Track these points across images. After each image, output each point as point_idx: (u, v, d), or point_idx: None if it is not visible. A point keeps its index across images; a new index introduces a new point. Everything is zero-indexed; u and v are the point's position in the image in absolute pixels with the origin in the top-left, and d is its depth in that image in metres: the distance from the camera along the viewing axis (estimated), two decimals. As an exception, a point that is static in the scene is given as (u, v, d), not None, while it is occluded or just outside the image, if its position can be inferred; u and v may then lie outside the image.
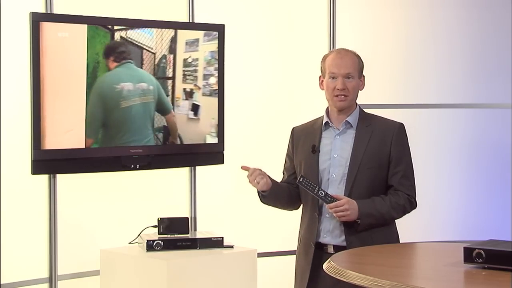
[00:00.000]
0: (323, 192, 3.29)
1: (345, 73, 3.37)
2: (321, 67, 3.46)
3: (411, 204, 3.39)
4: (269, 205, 3.53)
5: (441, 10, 5.08)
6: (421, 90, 5.07)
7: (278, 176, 3.58)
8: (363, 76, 3.45)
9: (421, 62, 5.07)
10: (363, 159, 3.34)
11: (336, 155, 3.38)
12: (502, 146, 5.00)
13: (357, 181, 3.33)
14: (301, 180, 3.31)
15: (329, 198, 3.28)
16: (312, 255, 3.37)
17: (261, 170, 3.41)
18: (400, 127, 3.42)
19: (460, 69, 5.07)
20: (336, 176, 3.36)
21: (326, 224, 3.37)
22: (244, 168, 3.43)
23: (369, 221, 3.29)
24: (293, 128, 3.58)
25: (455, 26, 5.08)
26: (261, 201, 3.50)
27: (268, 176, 3.43)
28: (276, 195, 3.46)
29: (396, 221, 3.46)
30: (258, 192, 3.46)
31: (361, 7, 5.03)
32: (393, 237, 3.42)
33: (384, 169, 3.37)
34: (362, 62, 3.45)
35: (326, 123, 3.43)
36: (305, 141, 3.46)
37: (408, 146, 3.44)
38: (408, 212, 3.40)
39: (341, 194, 3.32)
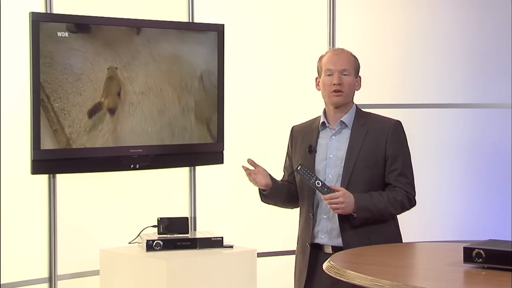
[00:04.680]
0: (320, 183, 3.26)
1: (341, 69, 3.38)
2: (318, 67, 3.46)
3: (410, 201, 3.36)
4: (269, 204, 3.54)
5: (441, 10, 5.08)
6: (421, 90, 5.07)
7: (278, 176, 3.58)
8: (360, 77, 3.45)
9: (421, 62, 5.07)
10: (358, 159, 3.33)
11: (332, 155, 3.38)
12: (502, 146, 5.00)
13: (352, 180, 3.32)
14: (299, 168, 3.30)
15: (326, 189, 3.26)
16: (309, 255, 3.36)
17: (264, 169, 3.42)
18: (396, 125, 3.41)
19: (460, 69, 5.07)
20: (332, 177, 3.36)
21: (323, 225, 3.36)
22: (250, 161, 3.42)
23: (365, 215, 3.28)
24: (292, 127, 3.58)
25: (455, 26, 5.08)
26: (261, 200, 3.51)
27: (270, 176, 3.43)
28: (277, 194, 3.47)
29: (398, 224, 3.44)
30: (259, 191, 3.47)
31: (361, 7, 5.03)
32: (393, 237, 3.40)
33: (381, 168, 3.36)
34: (359, 63, 3.45)
35: (323, 123, 3.43)
36: (303, 141, 3.47)
37: (406, 144, 3.41)
38: (407, 209, 3.38)
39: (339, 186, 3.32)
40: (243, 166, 3.45)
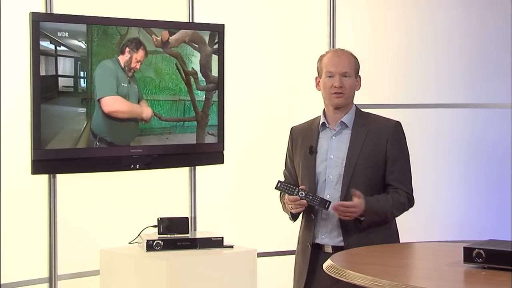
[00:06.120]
0: (303, 193, 3.27)
1: (342, 71, 3.38)
2: (318, 67, 3.46)
3: (410, 202, 3.38)
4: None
5: (441, 10, 5.08)
6: (421, 90, 5.07)
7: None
8: (359, 76, 3.45)
9: (421, 62, 5.07)
10: (359, 159, 3.34)
11: (333, 156, 3.38)
12: (502, 146, 5.00)
13: (353, 181, 3.32)
14: (278, 185, 3.32)
15: (310, 197, 3.27)
16: (309, 255, 3.37)
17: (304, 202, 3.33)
18: (396, 125, 3.41)
19: (460, 69, 5.07)
20: (332, 177, 3.36)
21: (323, 225, 3.36)
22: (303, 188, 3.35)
23: (372, 219, 3.28)
24: (291, 128, 3.57)
25: (455, 26, 5.08)
26: (292, 219, 3.48)
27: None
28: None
29: (396, 223, 3.45)
30: (290, 213, 3.43)
31: (361, 7, 5.03)
32: (392, 237, 3.41)
33: (381, 168, 3.36)
34: (359, 63, 3.44)
35: (323, 123, 3.43)
36: (303, 142, 3.46)
37: (405, 144, 3.42)
38: (407, 210, 3.40)
39: (337, 195, 3.32)
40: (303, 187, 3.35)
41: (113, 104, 4.21)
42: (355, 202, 3.24)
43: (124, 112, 4.26)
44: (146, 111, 4.33)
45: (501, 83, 5.01)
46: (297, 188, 3.29)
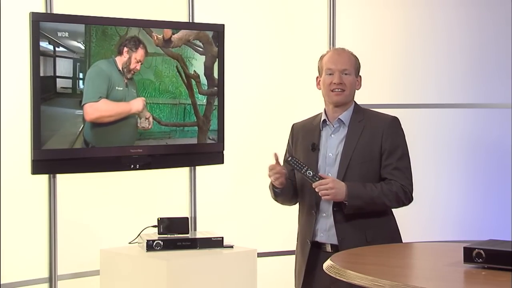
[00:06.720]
0: (311, 172, 3.28)
1: (342, 68, 3.39)
2: (318, 67, 3.47)
3: (405, 194, 3.33)
4: (277, 201, 3.52)
5: (441, 10, 5.09)
6: (421, 90, 5.07)
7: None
8: (360, 76, 3.46)
9: (421, 62, 5.08)
10: (354, 154, 3.34)
11: (332, 154, 3.39)
12: (502, 146, 5.00)
13: (348, 177, 3.32)
14: (289, 159, 3.32)
15: (317, 178, 3.27)
16: (308, 252, 3.37)
17: (282, 168, 3.38)
18: (393, 121, 3.41)
19: (460, 69, 5.07)
20: (332, 175, 3.36)
21: (323, 223, 3.36)
22: (276, 156, 3.38)
23: (357, 203, 3.27)
24: (293, 125, 3.59)
25: (455, 26, 5.08)
26: (272, 196, 3.49)
27: (285, 175, 3.41)
28: (287, 192, 3.46)
29: (395, 220, 3.45)
30: (272, 188, 3.45)
31: (361, 7, 5.04)
32: (390, 233, 3.40)
33: (377, 163, 3.36)
34: (359, 63, 3.45)
35: (324, 121, 3.44)
36: (304, 138, 3.47)
37: (403, 140, 3.40)
38: (404, 202, 3.35)
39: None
40: (275, 154, 3.39)
41: (93, 111, 4.11)
42: (328, 178, 3.26)
43: (111, 116, 4.20)
44: (135, 104, 4.27)
45: (501, 83, 5.02)
46: (306, 167, 3.29)
